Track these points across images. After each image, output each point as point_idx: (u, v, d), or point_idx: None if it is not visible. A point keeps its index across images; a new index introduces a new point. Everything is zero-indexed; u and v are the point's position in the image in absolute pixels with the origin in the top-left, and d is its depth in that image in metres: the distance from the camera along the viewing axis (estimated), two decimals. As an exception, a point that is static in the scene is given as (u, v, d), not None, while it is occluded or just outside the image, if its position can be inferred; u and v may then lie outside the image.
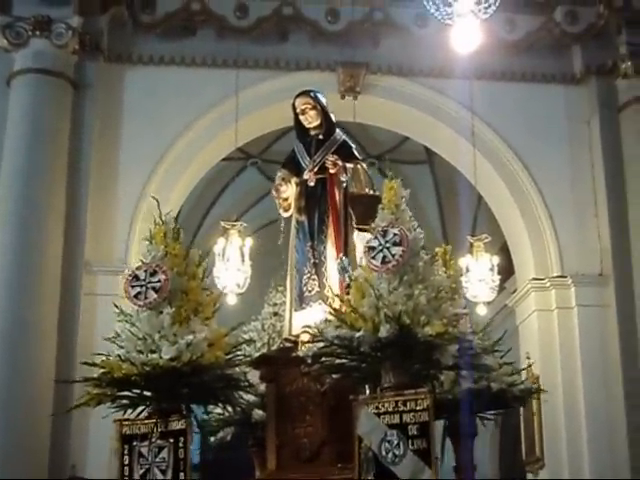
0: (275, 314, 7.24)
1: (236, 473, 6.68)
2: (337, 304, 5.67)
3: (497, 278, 10.51)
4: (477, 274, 9.97)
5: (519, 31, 10.41)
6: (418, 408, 5.18)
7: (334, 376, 5.72)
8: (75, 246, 9.39)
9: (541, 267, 10.27)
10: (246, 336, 7.12)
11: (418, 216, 15.60)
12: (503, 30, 10.29)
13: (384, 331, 5.26)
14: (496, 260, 10.60)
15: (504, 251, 11.17)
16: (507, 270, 11.15)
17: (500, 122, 10.48)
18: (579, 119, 10.56)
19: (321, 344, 5.55)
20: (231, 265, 9.70)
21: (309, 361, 5.73)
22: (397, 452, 5.15)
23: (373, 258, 5.52)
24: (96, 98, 9.92)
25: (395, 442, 5.16)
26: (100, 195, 9.74)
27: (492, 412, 6.57)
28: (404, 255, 5.45)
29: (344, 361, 5.51)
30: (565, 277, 10.11)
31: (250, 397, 6.63)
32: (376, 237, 5.59)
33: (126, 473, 5.54)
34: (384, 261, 5.48)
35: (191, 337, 5.48)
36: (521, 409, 7.39)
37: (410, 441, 5.13)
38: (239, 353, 5.81)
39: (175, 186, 10.14)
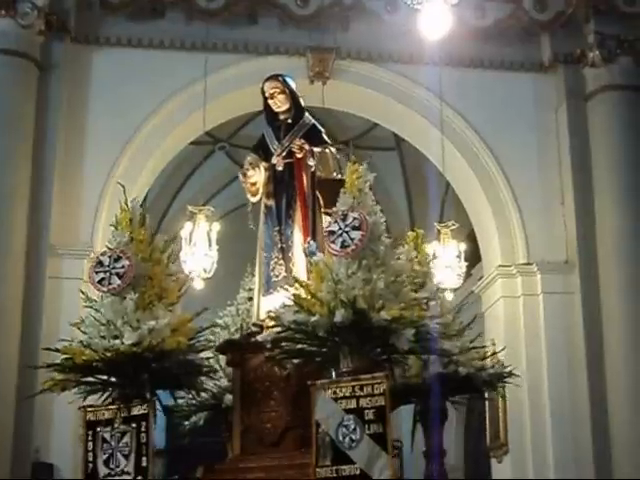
0: (250, 299, 7.22)
1: (208, 457, 6.67)
2: (299, 289, 5.66)
3: (464, 265, 10.59)
4: (444, 261, 10.02)
5: (488, 18, 10.40)
6: (375, 392, 5.19)
7: (295, 361, 5.72)
8: (40, 229, 9.30)
9: (507, 254, 10.32)
10: (221, 321, 7.11)
11: (386, 203, 15.76)
12: (473, 17, 10.28)
13: (339, 316, 5.27)
14: (463, 247, 10.68)
15: (471, 238, 11.22)
16: (474, 257, 11.21)
17: (468, 109, 10.49)
18: (547, 107, 10.61)
19: (279, 329, 5.55)
20: (198, 250, 9.67)
21: (268, 346, 5.73)
22: (354, 437, 5.15)
23: (332, 242, 5.51)
24: (62, 80, 9.81)
25: (352, 427, 5.17)
26: (66, 178, 9.64)
27: (462, 397, 6.59)
28: (363, 239, 5.44)
29: (304, 346, 5.52)
30: (531, 264, 10.17)
31: (223, 382, 6.63)
32: (336, 221, 5.58)
33: (90, 459, 5.53)
34: (343, 245, 5.47)
35: (153, 323, 5.47)
36: (486, 395, 7.37)
37: (367, 426, 5.14)
38: (202, 339, 5.80)
39: (142, 169, 10.07)
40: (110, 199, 9.35)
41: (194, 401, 6.87)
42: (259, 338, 5.92)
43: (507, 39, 10.59)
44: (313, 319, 5.34)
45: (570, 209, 10.23)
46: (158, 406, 5.72)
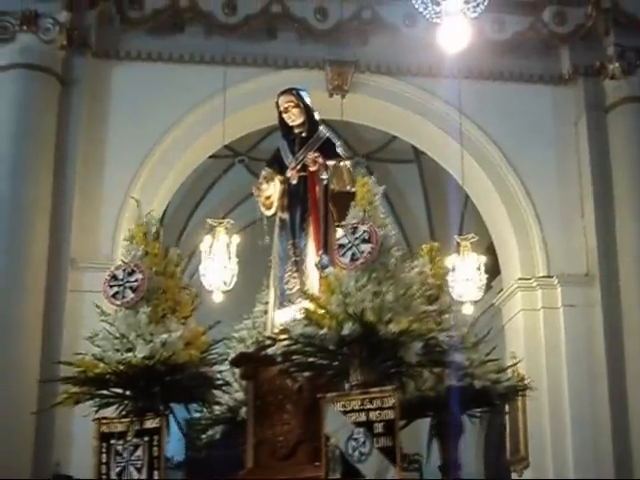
0: (266, 312, 7.23)
1: (226, 471, 6.67)
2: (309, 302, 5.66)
3: (484, 277, 10.53)
4: (464, 273, 9.98)
5: (507, 31, 10.41)
6: (384, 406, 5.19)
7: (306, 374, 5.72)
8: (61, 242, 9.35)
9: (527, 267, 10.29)
10: (237, 334, 7.11)
11: (405, 215, 15.76)
12: (491, 30, 10.29)
13: (347, 329, 5.28)
14: (483, 259, 10.62)
15: (491, 250, 11.19)
16: (494, 269, 11.17)
17: (488, 122, 10.49)
18: (567, 120, 10.59)
19: (288, 342, 5.56)
20: (218, 263, 9.69)
21: (279, 359, 5.74)
22: (363, 450, 5.15)
23: (342, 255, 5.54)
24: (83, 94, 9.89)
25: (361, 440, 5.17)
26: (86, 191, 9.70)
27: (477, 410, 6.56)
28: (372, 252, 5.45)
29: (314, 359, 5.52)
30: (551, 277, 10.13)
31: (239, 395, 6.63)
32: (346, 234, 5.59)
33: (104, 471, 5.56)
34: (353, 258, 5.49)
35: (166, 336, 5.51)
36: (506, 408, 7.35)
37: (376, 439, 5.14)
38: (215, 352, 5.81)
39: (162, 183, 10.12)
40: (130, 212, 9.39)
41: (211, 414, 6.87)
42: (269, 351, 5.93)
43: (526, 52, 10.60)
44: (321, 332, 5.36)
45: (590, 221, 10.19)
46: (174, 419, 5.74)
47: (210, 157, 11.44)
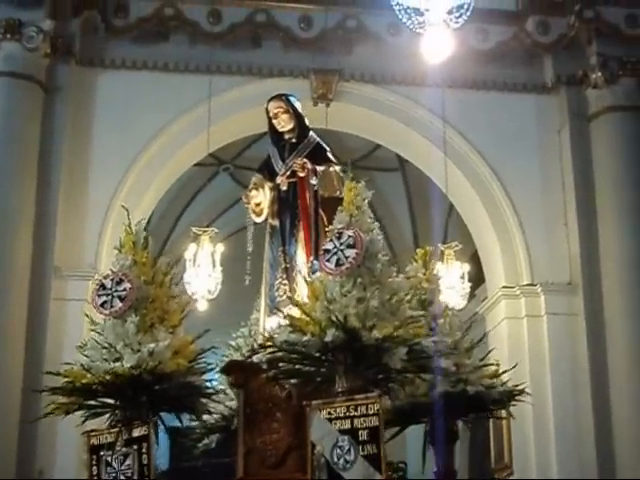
0: None
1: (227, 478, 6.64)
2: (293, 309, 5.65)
3: (467, 286, 10.60)
4: (448, 281, 10.02)
5: (491, 41, 10.46)
6: (369, 413, 5.14)
7: (293, 381, 5.70)
8: (45, 251, 9.32)
9: (511, 275, 10.32)
10: (234, 342, 7.09)
11: (389, 223, 15.75)
12: (475, 39, 10.34)
13: (330, 335, 5.24)
14: (467, 268, 10.69)
15: (475, 259, 11.23)
16: (478, 278, 11.21)
17: (471, 131, 10.53)
18: (550, 128, 10.64)
19: (272, 350, 5.53)
20: (202, 271, 9.70)
21: (264, 367, 5.72)
22: (348, 458, 5.11)
23: (328, 261, 5.49)
24: (67, 102, 9.87)
25: (346, 448, 5.13)
26: (70, 199, 9.68)
27: (472, 416, 6.52)
28: (357, 257, 5.40)
29: (300, 366, 5.49)
30: (535, 285, 10.16)
31: (233, 404, 6.60)
32: (331, 239, 5.56)
33: None
34: (338, 264, 5.44)
35: (153, 345, 5.48)
36: (494, 414, 7.30)
37: (360, 446, 5.09)
38: (203, 361, 5.78)
39: (146, 191, 10.11)
40: (114, 221, 9.38)
41: (205, 423, 6.84)
42: (254, 359, 5.92)
43: (510, 61, 10.64)
44: (304, 339, 5.32)
45: (573, 230, 10.23)
46: (162, 428, 5.72)
47: (195, 165, 11.43)
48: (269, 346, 5.56)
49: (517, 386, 6.46)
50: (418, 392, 6.07)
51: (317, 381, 5.56)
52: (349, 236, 5.48)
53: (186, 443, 7.05)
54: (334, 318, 5.25)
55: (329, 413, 5.23)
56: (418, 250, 6.68)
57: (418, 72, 10.12)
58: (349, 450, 5.12)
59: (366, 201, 5.77)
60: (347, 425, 5.17)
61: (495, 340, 10.32)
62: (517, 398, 6.48)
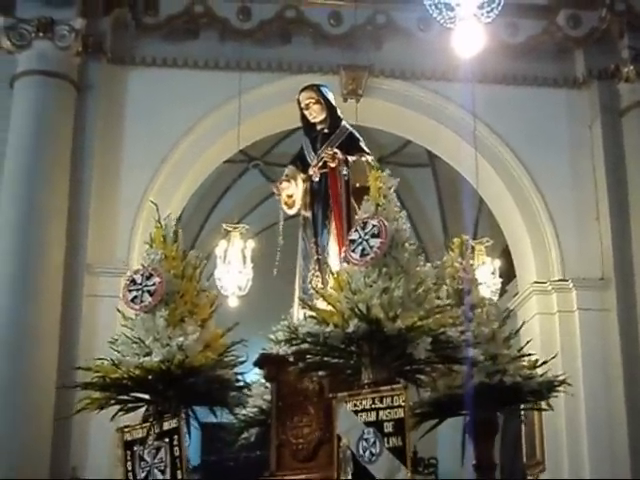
0: None
1: (251, 474, 6.65)
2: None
3: (498, 281, 10.56)
4: (478, 277, 9.97)
5: (521, 35, 10.40)
6: (394, 404, 5.07)
7: (321, 374, 5.66)
8: (77, 247, 9.39)
9: (543, 270, 10.27)
10: (274, 336, 7.10)
11: (419, 219, 15.71)
12: (505, 34, 10.28)
13: (352, 326, 5.19)
14: (498, 263, 10.66)
15: (506, 254, 11.18)
16: (509, 273, 11.16)
17: (502, 126, 10.48)
18: (581, 123, 10.57)
19: (296, 342, 5.50)
20: (233, 267, 9.73)
21: (290, 359, 5.67)
22: (374, 450, 5.06)
23: (353, 251, 5.44)
24: (99, 100, 9.93)
25: (372, 440, 5.08)
26: (102, 196, 9.74)
27: (511, 408, 6.43)
28: (382, 247, 5.34)
29: (328, 358, 5.44)
30: (567, 280, 10.10)
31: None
32: (356, 229, 5.51)
33: (130, 478, 5.59)
34: (363, 254, 5.39)
35: (182, 339, 5.49)
36: (522, 413, 7.24)
37: (386, 439, 5.04)
38: (232, 354, 5.78)
39: (177, 188, 10.15)
40: (146, 217, 9.43)
41: (245, 417, 6.85)
42: (280, 351, 5.89)
43: (540, 55, 10.58)
44: (327, 330, 5.26)
45: (605, 225, 10.16)
46: (197, 422, 5.75)
47: (225, 162, 11.47)
48: (293, 339, 5.52)
49: (557, 377, 6.35)
50: (454, 384, 5.99)
51: (344, 373, 5.51)
52: (374, 225, 5.42)
53: (225, 437, 7.07)
54: (357, 309, 5.19)
55: (355, 405, 5.18)
56: (455, 239, 6.62)
57: (448, 67, 10.10)
58: (374, 443, 5.06)
59: (392, 189, 5.71)
60: (372, 417, 5.12)
61: (527, 335, 10.24)
62: (556, 389, 6.36)
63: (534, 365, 6.28)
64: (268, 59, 10.33)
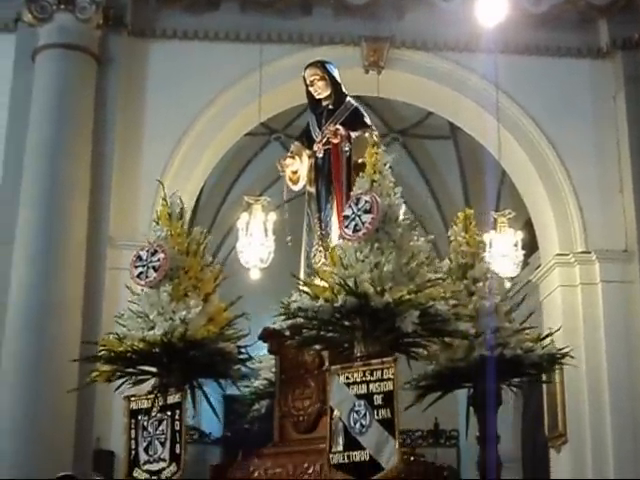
0: None
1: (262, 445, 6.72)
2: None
3: (521, 254, 10.50)
4: (501, 250, 9.95)
5: (544, 4, 10.28)
6: (384, 377, 5.15)
7: (318, 347, 5.73)
8: (100, 221, 9.44)
9: (565, 243, 10.22)
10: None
11: (441, 191, 15.64)
12: (528, 3, 10.18)
13: (340, 300, 5.26)
14: (520, 236, 10.60)
15: (528, 226, 11.13)
16: (531, 246, 11.12)
17: (525, 97, 10.40)
18: (605, 94, 10.47)
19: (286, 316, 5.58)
20: (254, 240, 9.73)
21: (286, 333, 5.77)
22: (364, 422, 5.14)
23: (346, 227, 5.51)
24: (120, 73, 9.94)
25: (362, 412, 5.15)
26: (124, 170, 9.77)
27: (513, 380, 6.44)
28: (373, 222, 5.39)
29: (323, 332, 5.50)
30: (589, 253, 10.05)
31: None
32: (350, 206, 5.57)
33: (133, 446, 5.70)
34: (355, 229, 5.45)
35: (184, 313, 5.59)
36: (542, 379, 7.19)
37: (375, 411, 5.11)
38: (234, 328, 5.85)
39: (199, 161, 10.16)
40: (167, 190, 9.41)
41: (256, 389, 6.91)
42: (276, 326, 5.98)
43: (563, 25, 10.47)
44: (317, 305, 5.34)
45: (629, 197, 10.09)
46: (204, 396, 5.81)
47: (246, 135, 11.46)
48: (284, 313, 5.59)
49: (561, 349, 6.33)
50: (456, 356, 6.03)
51: (341, 347, 5.58)
52: (366, 201, 5.48)
53: (239, 409, 7.13)
54: (346, 283, 5.26)
55: (347, 378, 5.27)
56: (459, 213, 6.62)
57: (470, 38, 10.03)
58: (365, 415, 5.15)
59: (387, 165, 5.75)
60: (363, 390, 5.20)
61: (549, 308, 10.27)
62: (560, 362, 6.34)
63: (538, 338, 6.26)
64: (289, 31, 10.28)
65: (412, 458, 5.82)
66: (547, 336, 6.33)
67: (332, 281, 5.38)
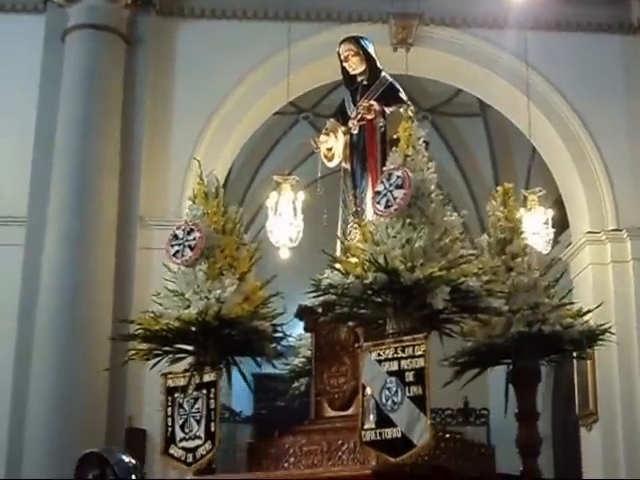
0: None
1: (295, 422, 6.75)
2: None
3: (551, 231, 10.44)
4: (531, 227, 9.89)
5: (575, -21, 10.19)
6: (415, 354, 5.12)
7: (351, 324, 5.73)
8: (130, 200, 9.49)
9: (596, 220, 10.15)
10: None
11: (471, 169, 15.55)
12: (558, -22, 10.08)
13: (370, 276, 5.24)
14: (550, 213, 10.53)
15: (558, 204, 11.06)
16: (561, 223, 11.05)
17: (555, 73, 10.31)
18: (636, 69, 10.36)
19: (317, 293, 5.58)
20: (284, 219, 9.74)
21: (319, 310, 5.77)
22: (395, 399, 5.12)
23: (378, 203, 5.47)
24: (148, 53, 9.96)
25: (394, 389, 5.14)
26: (154, 149, 9.81)
27: (551, 356, 6.39)
28: (405, 198, 5.35)
29: (355, 309, 5.49)
30: (621, 230, 9.98)
31: None
32: (382, 181, 5.52)
33: (169, 423, 5.78)
34: (387, 205, 5.41)
35: (219, 291, 5.61)
36: (574, 359, 7.13)
37: (407, 388, 5.10)
38: (270, 306, 5.87)
39: (227, 140, 10.17)
40: (196, 169, 9.44)
41: (296, 367, 6.94)
42: (308, 303, 5.97)
43: (594, 0, 10.35)
44: (347, 282, 5.32)
45: (661, 173, 10.00)
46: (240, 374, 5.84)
47: (275, 114, 11.45)
48: (315, 290, 5.58)
49: (600, 325, 6.27)
50: (494, 332, 5.98)
51: (375, 323, 5.56)
52: (398, 177, 5.43)
53: (278, 387, 7.17)
54: (374, 260, 5.23)
55: (378, 355, 5.25)
56: (498, 188, 6.57)
57: (500, 14, 9.95)
58: (396, 391, 5.13)
59: (421, 140, 5.71)
60: (395, 367, 5.18)
61: (580, 286, 10.21)
62: (600, 338, 6.28)
63: (577, 314, 6.19)
64: (317, 9, 10.25)
65: (447, 435, 5.81)
66: (587, 312, 6.28)
67: (363, 257, 5.35)
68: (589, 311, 6.31)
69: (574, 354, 6.60)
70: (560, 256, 10.81)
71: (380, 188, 5.51)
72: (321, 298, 5.73)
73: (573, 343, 6.19)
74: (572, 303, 6.35)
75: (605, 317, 9.43)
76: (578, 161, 10.26)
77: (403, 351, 5.17)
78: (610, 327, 6.31)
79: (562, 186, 10.78)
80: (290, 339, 6.47)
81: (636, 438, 9.48)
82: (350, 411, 5.91)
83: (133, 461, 4.32)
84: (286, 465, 5.80)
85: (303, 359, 6.81)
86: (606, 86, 10.31)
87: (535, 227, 10.08)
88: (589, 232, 10.15)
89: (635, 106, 10.27)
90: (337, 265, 5.53)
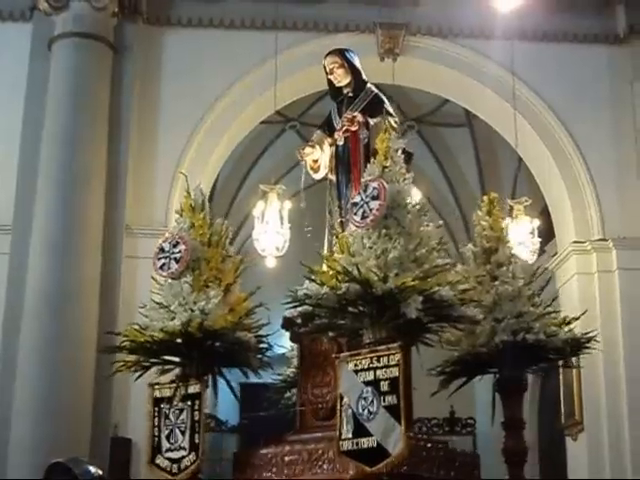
0: None
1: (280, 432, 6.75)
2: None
3: (537, 241, 10.46)
4: (517, 237, 9.91)
5: (561, -11, 10.24)
6: (390, 363, 5.17)
7: (330, 334, 5.76)
8: (116, 208, 9.46)
9: (582, 230, 10.18)
10: None
11: (457, 179, 15.59)
12: (545, -12, 10.12)
13: (343, 287, 5.27)
14: (536, 223, 10.55)
15: (544, 214, 11.09)
16: (547, 233, 11.08)
17: (541, 83, 10.35)
18: (622, 80, 10.40)
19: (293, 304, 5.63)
20: (270, 228, 9.74)
21: (298, 321, 5.83)
22: (371, 409, 5.16)
23: (355, 214, 5.51)
24: (135, 61, 9.95)
25: (370, 399, 5.18)
26: (140, 158, 9.79)
27: (537, 365, 6.39)
28: (380, 209, 5.39)
29: (333, 320, 5.53)
30: (606, 240, 10.01)
31: None
32: (359, 192, 5.57)
33: (156, 434, 5.82)
34: (363, 216, 5.45)
35: (203, 303, 5.65)
36: (560, 368, 7.13)
37: (382, 397, 5.14)
38: (254, 317, 5.91)
39: (214, 149, 10.17)
40: (183, 179, 9.44)
41: (287, 378, 6.96)
42: (287, 314, 6.03)
43: (581, 11, 10.41)
44: (321, 292, 5.36)
45: (646, 184, 10.04)
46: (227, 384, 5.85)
47: (262, 123, 11.45)
48: (291, 301, 5.62)
49: (585, 334, 6.29)
50: (479, 342, 6.01)
51: (355, 334, 5.58)
52: (374, 188, 5.48)
53: (270, 397, 7.17)
54: (347, 270, 5.28)
55: (355, 365, 5.30)
56: (484, 197, 6.60)
57: (486, 24, 9.98)
58: (372, 401, 5.17)
59: (399, 151, 5.74)
60: (371, 376, 5.23)
61: (565, 296, 10.23)
62: (585, 346, 6.28)
63: (562, 322, 6.21)
64: (304, 18, 10.26)
65: (429, 445, 5.81)
66: (572, 320, 6.29)
67: (337, 268, 5.39)
68: (574, 319, 6.32)
69: (559, 363, 6.61)
70: (546, 266, 10.84)
71: (357, 199, 5.56)
72: (299, 309, 5.74)
73: (557, 351, 6.21)
74: (557, 312, 6.36)
75: (590, 326, 9.48)
76: (564, 171, 10.30)
77: (378, 361, 5.22)
78: (595, 335, 6.32)
79: (548, 196, 10.81)
80: (280, 349, 6.50)
81: (621, 447, 9.49)
82: (333, 421, 5.87)
83: (100, 472, 4.29)
84: (269, 475, 5.85)
85: (295, 369, 6.83)
86: (592, 96, 10.35)
87: (521, 237, 10.10)
88: (575, 242, 10.17)
89: (621, 116, 10.32)
90: (313, 276, 5.54)
